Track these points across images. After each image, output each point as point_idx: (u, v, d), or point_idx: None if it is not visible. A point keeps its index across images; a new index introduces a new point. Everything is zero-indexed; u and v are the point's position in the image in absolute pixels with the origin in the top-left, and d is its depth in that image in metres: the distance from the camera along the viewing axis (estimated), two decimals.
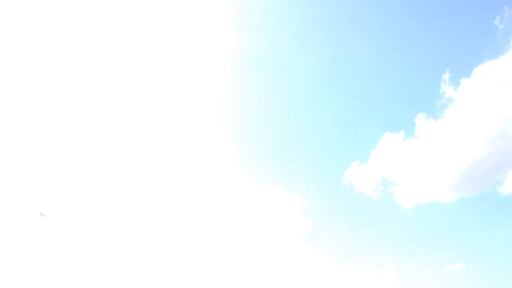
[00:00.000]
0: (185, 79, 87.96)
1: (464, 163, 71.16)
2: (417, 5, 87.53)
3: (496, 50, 73.86)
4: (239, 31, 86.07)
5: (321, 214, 76.58)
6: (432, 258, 67.04)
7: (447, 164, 72.16)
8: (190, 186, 78.18)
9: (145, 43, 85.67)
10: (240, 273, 67.03)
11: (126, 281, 60.25)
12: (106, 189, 70.34)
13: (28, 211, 54.73)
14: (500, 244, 65.55)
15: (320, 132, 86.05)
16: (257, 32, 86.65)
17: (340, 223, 75.38)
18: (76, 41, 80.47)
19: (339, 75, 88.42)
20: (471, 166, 70.51)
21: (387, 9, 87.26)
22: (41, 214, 52.69)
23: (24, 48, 75.76)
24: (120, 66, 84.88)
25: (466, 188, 70.96)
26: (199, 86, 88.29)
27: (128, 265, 62.63)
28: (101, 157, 74.77)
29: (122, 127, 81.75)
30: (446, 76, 75.90)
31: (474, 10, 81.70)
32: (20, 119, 69.47)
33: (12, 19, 74.41)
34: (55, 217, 56.00)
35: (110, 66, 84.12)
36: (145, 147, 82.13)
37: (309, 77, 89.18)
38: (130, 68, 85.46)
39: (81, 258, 59.23)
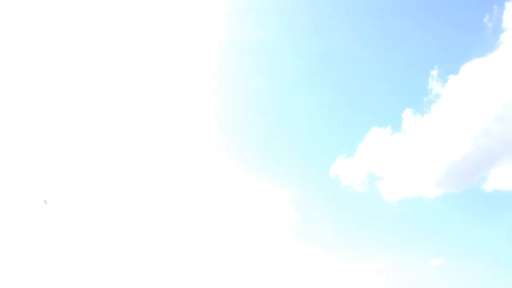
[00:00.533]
0: (172, 68, 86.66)
1: (449, 159, 72.12)
2: (407, 2, 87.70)
3: (484, 48, 74.66)
4: (228, 19, 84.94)
5: (307, 207, 76.88)
6: (416, 252, 68.04)
7: (433, 160, 73.01)
8: (175, 177, 77.46)
9: (132, 31, 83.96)
10: (225, 265, 66.92)
11: (117, 263, 61.25)
12: (101, 177, 71.01)
13: (31, 199, 56.06)
14: (481, 240, 67.02)
15: (308, 125, 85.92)
16: (246, 22, 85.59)
17: (326, 216, 75.85)
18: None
19: (328, 69, 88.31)
20: (456, 163, 71.51)
21: (378, 5, 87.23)
22: (45, 201, 54.19)
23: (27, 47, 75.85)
24: (107, 54, 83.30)
25: (451, 184, 72.03)
26: (185, 76, 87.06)
27: (122, 249, 63.34)
28: (95, 147, 74.72)
29: (109, 118, 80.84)
30: (434, 72, 76.42)
31: (464, 8, 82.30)
32: (24, 113, 70.24)
33: (12, 19, 73.87)
34: (57, 205, 57.21)
35: (98, 55, 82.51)
36: (132, 134, 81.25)
37: (298, 70, 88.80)
38: (116, 55, 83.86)
39: (82, 247, 59.91)
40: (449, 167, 71.60)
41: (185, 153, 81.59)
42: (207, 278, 64.43)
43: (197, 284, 63.43)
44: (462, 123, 71.63)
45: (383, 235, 71.12)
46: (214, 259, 67.47)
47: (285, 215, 74.15)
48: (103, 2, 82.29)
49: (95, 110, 79.67)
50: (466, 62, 72.71)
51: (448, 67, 75.71)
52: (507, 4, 71.94)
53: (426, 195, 72.04)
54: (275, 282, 65.62)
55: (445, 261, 65.92)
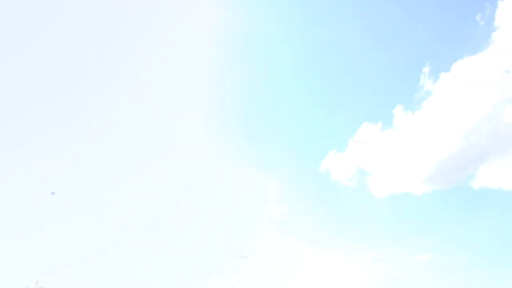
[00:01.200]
0: (166, 63, 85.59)
1: (438, 156, 72.39)
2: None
3: (476, 46, 75.20)
4: (220, 14, 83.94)
5: (297, 200, 76.49)
6: (403, 248, 68.10)
7: (422, 157, 73.19)
8: (169, 168, 76.59)
9: (124, 20, 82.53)
10: (214, 257, 66.20)
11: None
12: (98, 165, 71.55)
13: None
14: (468, 236, 67.32)
15: (300, 119, 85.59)
16: (239, 16, 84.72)
17: (315, 210, 75.47)
18: None
19: (321, 64, 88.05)
20: (445, 160, 71.82)
21: (370, 3, 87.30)
22: (52, 193, 60.28)
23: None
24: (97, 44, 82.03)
25: (439, 181, 72.32)
26: (179, 71, 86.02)
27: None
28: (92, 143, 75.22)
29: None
30: (426, 69, 76.73)
31: (456, 6, 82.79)
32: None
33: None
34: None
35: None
36: (129, 128, 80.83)
37: (291, 66, 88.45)
38: (106, 45, 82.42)
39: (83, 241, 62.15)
40: (438, 164, 71.99)
41: (180, 146, 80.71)
42: (197, 269, 63.80)
43: (187, 275, 62.86)
44: (452, 121, 72.03)
45: (372, 230, 71.13)
46: (202, 248, 66.80)
47: (275, 207, 73.70)
48: None
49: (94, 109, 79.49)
50: (458, 60, 73.24)
51: (439, 64, 76.16)
52: (500, 3, 72.67)
53: (414, 192, 72.29)
54: (263, 274, 65.05)
55: (433, 257, 66.24)
